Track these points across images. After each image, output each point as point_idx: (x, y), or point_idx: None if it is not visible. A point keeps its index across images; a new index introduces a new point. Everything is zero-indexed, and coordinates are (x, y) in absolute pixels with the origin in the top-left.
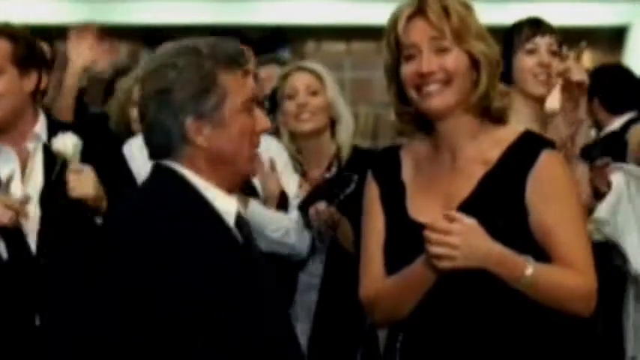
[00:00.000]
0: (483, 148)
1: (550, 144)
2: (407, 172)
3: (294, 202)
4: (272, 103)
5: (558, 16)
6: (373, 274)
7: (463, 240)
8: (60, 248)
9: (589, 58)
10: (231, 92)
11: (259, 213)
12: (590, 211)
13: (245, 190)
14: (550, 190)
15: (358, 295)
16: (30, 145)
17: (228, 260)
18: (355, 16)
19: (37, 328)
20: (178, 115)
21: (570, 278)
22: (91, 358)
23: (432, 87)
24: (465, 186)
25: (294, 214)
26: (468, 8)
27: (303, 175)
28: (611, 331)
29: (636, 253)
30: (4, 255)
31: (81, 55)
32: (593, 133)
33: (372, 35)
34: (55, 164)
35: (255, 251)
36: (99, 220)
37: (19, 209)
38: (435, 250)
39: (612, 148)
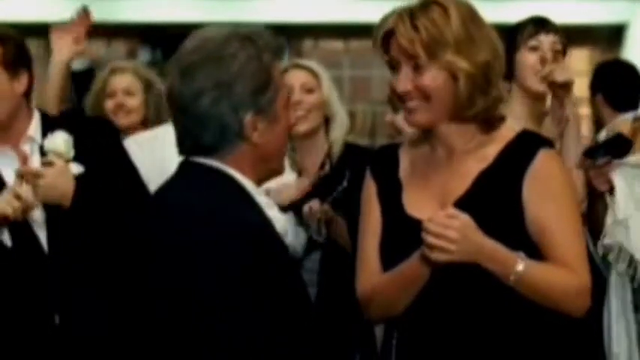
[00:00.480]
0: (480, 146)
1: (548, 143)
2: (404, 170)
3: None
4: None
5: (557, 15)
6: (369, 270)
7: (460, 235)
8: (70, 248)
9: (587, 56)
10: (280, 87)
11: None
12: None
13: None
14: (547, 189)
15: (355, 292)
16: (26, 147)
17: (294, 275)
18: (353, 14)
19: (57, 327)
20: (239, 111)
21: (563, 277)
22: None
23: (412, 103)
24: (462, 183)
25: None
26: (446, 18)
27: (299, 172)
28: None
29: None
30: (9, 243)
31: (64, 48)
32: (586, 132)
33: (370, 33)
34: (51, 164)
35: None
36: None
37: (29, 204)
38: (432, 241)
39: (617, 148)
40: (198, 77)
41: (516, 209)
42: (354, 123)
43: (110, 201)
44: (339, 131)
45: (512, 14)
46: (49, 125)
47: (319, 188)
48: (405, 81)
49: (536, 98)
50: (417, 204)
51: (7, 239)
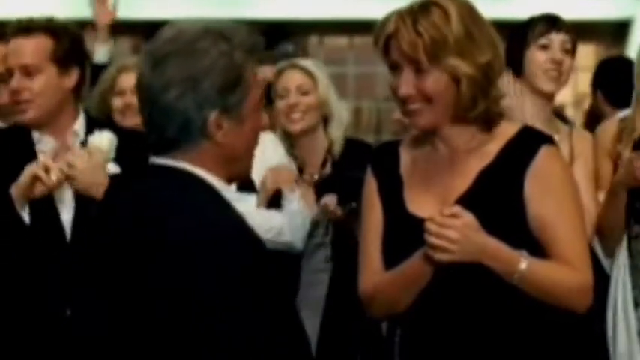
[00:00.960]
0: (481, 144)
1: (549, 140)
2: (405, 167)
3: (290, 195)
4: (267, 98)
5: (562, 10)
6: (372, 268)
7: (462, 234)
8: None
9: (593, 52)
10: (252, 88)
11: (250, 217)
12: None
13: (244, 184)
14: (548, 186)
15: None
16: (69, 141)
17: (268, 265)
18: (358, 11)
19: (67, 318)
20: (203, 107)
21: (565, 274)
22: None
23: (413, 106)
24: (463, 181)
25: (293, 205)
26: (447, 20)
27: (300, 170)
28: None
29: None
30: (27, 219)
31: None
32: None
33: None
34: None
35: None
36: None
37: (59, 179)
38: (434, 241)
39: None
40: (168, 69)
41: (518, 206)
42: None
43: None
44: (337, 129)
45: (518, 11)
46: (94, 125)
47: (325, 186)
48: (407, 84)
49: (544, 97)
50: (418, 202)
51: (26, 216)
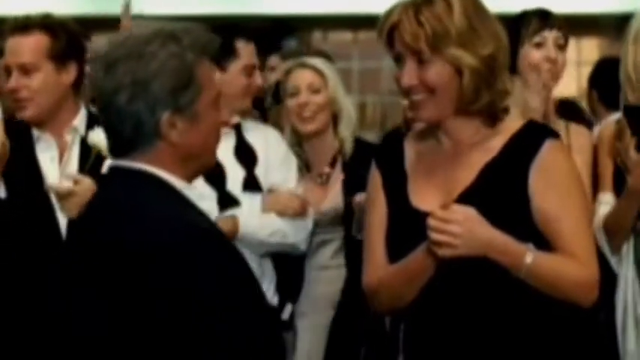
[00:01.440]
0: (486, 138)
1: (554, 133)
2: (409, 161)
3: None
4: (275, 97)
5: (564, 4)
6: (376, 263)
7: (464, 228)
8: None
9: (596, 46)
10: (205, 85)
11: (251, 224)
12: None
13: (250, 183)
14: (553, 179)
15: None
16: (68, 137)
17: (237, 259)
18: (362, 6)
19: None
20: (155, 109)
21: (571, 267)
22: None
23: (417, 97)
24: (467, 174)
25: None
26: (449, 12)
27: (308, 169)
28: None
29: None
30: (2, 195)
31: None
32: None
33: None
34: (89, 156)
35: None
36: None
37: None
38: (436, 237)
39: None
40: (118, 73)
41: (522, 200)
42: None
43: None
44: (347, 128)
45: (520, 4)
46: (95, 121)
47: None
48: (409, 75)
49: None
50: (422, 196)
51: (1, 192)
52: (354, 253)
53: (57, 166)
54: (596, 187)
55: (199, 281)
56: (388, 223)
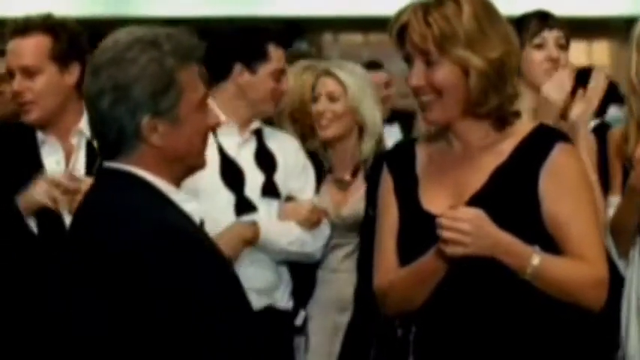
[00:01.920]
0: (496, 141)
1: (564, 137)
2: (421, 165)
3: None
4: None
5: (573, 7)
6: (386, 265)
7: (474, 227)
8: None
9: (607, 49)
10: (187, 90)
11: (272, 230)
12: None
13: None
14: (563, 182)
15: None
16: (74, 140)
17: (223, 262)
18: (372, 7)
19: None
20: (135, 113)
21: (579, 269)
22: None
23: (425, 97)
24: (478, 178)
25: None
26: (458, 13)
27: (330, 172)
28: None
29: None
30: (34, 229)
31: None
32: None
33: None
34: (96, 159)
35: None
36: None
37: (73, 187)
38: (446, 234)
39: None
40: (101, 77)
41: (532, 203)
42: None
43: None
44: (369, 140)
45: (529, 8)
46: None
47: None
48: (417, 76)
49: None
50: (433, 199)
51: (33, 225)
52: (366, 260)
53: (63, 169)
54: (606, 188)
55: (199, 281)
56: (399, 226)
